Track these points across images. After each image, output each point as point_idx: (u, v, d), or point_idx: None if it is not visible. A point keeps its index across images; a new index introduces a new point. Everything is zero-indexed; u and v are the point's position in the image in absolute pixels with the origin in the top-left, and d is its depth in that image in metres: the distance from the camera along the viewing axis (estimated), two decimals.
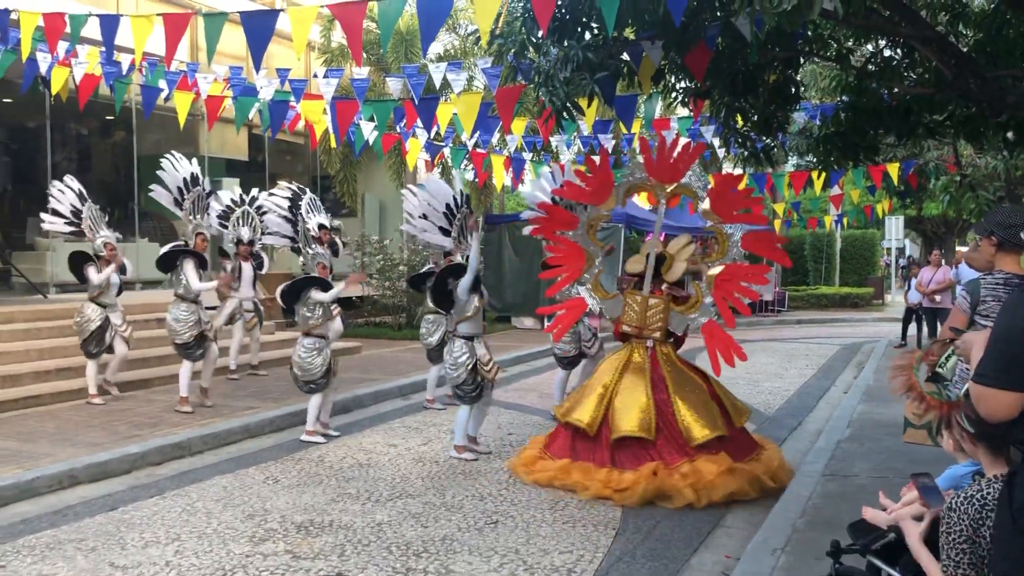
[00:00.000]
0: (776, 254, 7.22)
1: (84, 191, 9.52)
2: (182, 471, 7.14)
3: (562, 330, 7.67)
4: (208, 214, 9.77)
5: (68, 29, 6.78)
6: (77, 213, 9.36)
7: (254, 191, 11.20)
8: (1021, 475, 2.37)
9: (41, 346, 10.40)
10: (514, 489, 6.61)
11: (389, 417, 9.42)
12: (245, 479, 6.88)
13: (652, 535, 5.63)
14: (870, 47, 7.49)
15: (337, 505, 6.16)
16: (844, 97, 7.14)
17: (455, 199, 7.89)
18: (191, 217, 9.47)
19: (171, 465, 7.31)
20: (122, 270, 9.38)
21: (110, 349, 9.37)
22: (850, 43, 6.99)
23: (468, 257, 7.65)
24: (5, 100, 15.43)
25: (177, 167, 9.50)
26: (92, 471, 6.82)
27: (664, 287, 7.14)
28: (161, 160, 9.64)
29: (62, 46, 7.90)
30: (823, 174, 9.20)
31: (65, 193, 9.37)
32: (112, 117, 16.83)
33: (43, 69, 8.28)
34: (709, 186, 7.24)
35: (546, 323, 10.07)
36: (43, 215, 9.56)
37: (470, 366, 7.39)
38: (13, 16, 7.33)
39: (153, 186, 9.60)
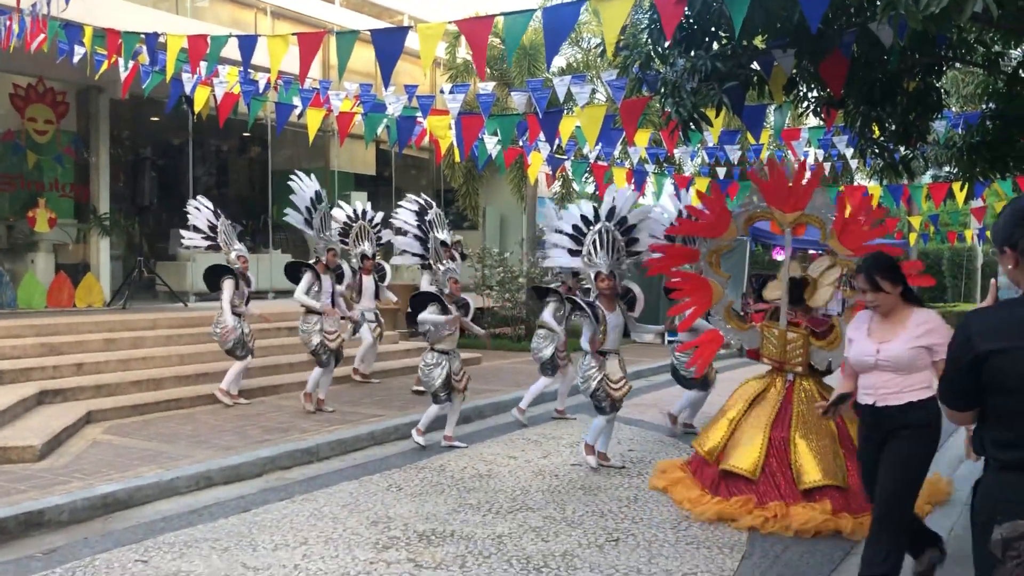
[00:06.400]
0: (915, 279, 6.67)
1: (216, 208, 10.03)
2: (310, 476, 7.35)
3: (702, 365, 7.34)
4: (330, 229, 10.16)
5: (209, 50, 7.13)
6: (213, 228, 9.86)
7: (358, 204, 11.51)
8: (981, 483, 2.64)
9: (182, 352, 10.93)
10: (635, 507, 6.50)
11: (509, 428, 9.45)
12: (369, 486, 7.02)
13: (780, 560, 5.42)
14: (1020, 50, 7.05)
15: (458, 515, 6.21)
16: (991, 104, 6.74)
17: (583, 217, 7.66)
18: (320, 234, 9.87)
19: (300, 470, 7.54)
20: (247, 281, 9.83)
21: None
22: (997, 47, 6.58)
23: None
24: (152, 119, 16.38)
25: (303, 186, 9.91)
26: (226, 473, 7.10)
27: (802, 317, 6.71)
28: (289, 181, 10.06)
29: (203, 67, 8.33)
30: (966, 186, 8.69)
31: (201, 210, 9.89)
32: (248, 134, 17.66)
33: (187, 89, 8.72)
34: (834, 215, 6.64)
35: (667, 338, 9.82)
36: (183, 232, 10.07)
37: (598, 379, 7.38)
38: (161, 39, 7.75)
39: (287, 210, 10.11)
